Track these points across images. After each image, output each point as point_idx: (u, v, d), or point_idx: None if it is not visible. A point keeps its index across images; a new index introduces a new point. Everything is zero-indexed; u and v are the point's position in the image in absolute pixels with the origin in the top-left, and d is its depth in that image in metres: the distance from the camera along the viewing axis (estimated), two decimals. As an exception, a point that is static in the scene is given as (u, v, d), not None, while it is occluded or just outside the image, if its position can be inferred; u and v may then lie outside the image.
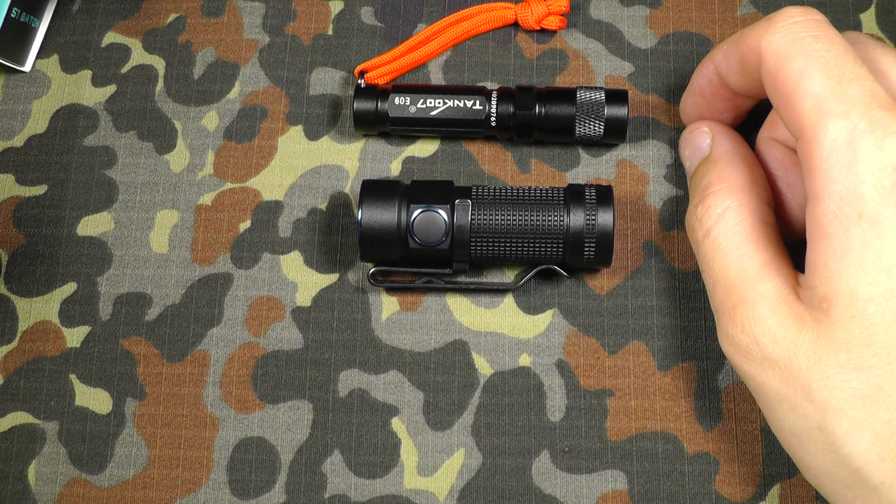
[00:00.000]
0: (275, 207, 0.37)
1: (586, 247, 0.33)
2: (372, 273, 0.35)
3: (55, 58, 0.39)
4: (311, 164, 0.37)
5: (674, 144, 0.36)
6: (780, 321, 0.27)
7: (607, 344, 0.35)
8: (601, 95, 0.35)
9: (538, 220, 0.33)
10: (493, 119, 0.35)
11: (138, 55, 0.39)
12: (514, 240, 0.33)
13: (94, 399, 0.35)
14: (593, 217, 0.32)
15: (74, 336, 0.36)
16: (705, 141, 0.33)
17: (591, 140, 0.36)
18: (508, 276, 0.36)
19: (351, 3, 0.39)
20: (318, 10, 0.39)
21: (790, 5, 0.33)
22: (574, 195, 0.33)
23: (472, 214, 0.33)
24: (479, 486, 0.33)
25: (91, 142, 0.38)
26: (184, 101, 0.38)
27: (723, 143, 0.32)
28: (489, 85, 0.38)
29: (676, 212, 0.36)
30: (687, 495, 0.33)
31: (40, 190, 0.37)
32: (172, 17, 0.39)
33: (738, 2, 0.38)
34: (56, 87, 0.38)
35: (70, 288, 0.36)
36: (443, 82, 0.38)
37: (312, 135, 0.37)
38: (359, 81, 0.37)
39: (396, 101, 0.35)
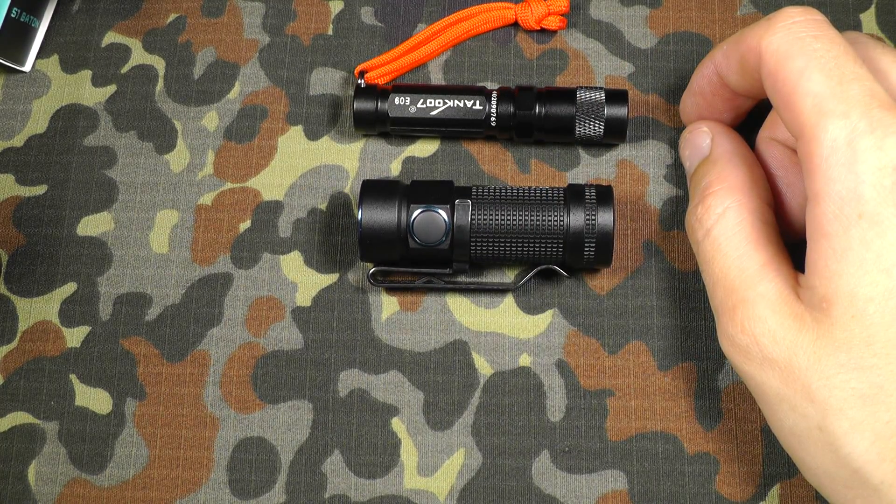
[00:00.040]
0: (275, 207, 0.37)
1: (586, 247, 0.33)
2: (372, 273, 0.35)
3: (55, 58, 0.39)
4: (311, 164, 0.37)
5: (674, 144, 0.36)
6: (780, 321, 0.27)
7: (607, 344, 0.35)
8: (601, 95, 0.35)
9: (538, 220, 0.33)
10: (493, 119, 0.35)
11: (138, 55, 0.39)
12: (514, 240, 0.33)
13: (94, 399, 0.35)
14: (593, 217, 0.32)
15: (74, 336, 0.36)
16: (705, 141, 0.33)
17: (591, 140, 0.36)
18: (508, 276, 0.36)
19: (351, 3, 0.39)
20: (318, 10, 0.39)
21: (790, 5, 0.33)
22: (574, 195, 0.33)
23: (472, 214, 0.33)
24: (479, 486, 0.33)
25: (91, 142, 0.38)
26: (184, 101, 0.38)
27: (723, 143, 0.32)
28: (489, 85, 0.38)
29: (676, 212, 0.36)
30: (687, 495, 0.33)
31: (40, 190, 0.37)
32: (172, 17, 0.39)
33: (738, 2, 0.38)
34: (56, 87, 0.38)
35: (70, 288, 0.36)
36: (443, 82, 0.38)
37: (312, 135, 0.37)
38: (359, 81, 0.37)
39: (396, 101, 0.35)
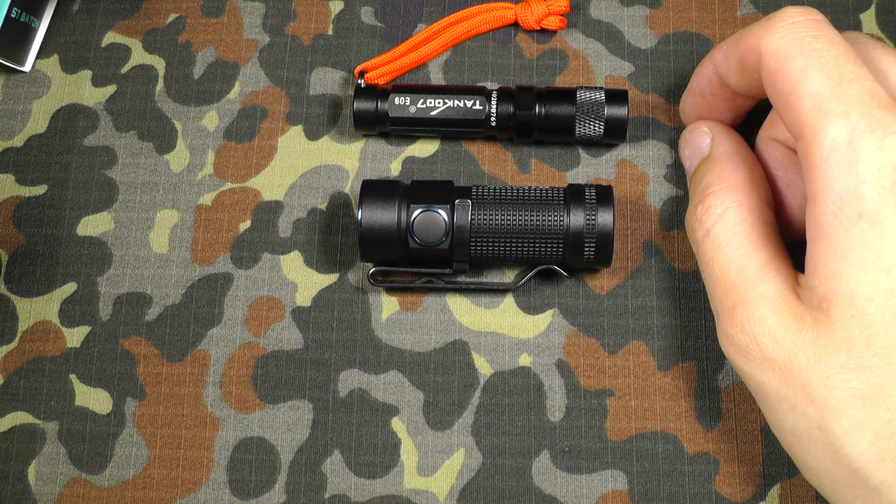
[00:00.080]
0: (275, 207, 0.37)
1: (586, 247, 0.33)
2: (372, 273, 0.35)
3: (55, 58, 0.39)
4: (311, 164, 0.37)
5: (674, 144, 0.36)
6: (779, 321, 0.27)
7: (607, 344, 0.35)
8: (601, 95, 0.35)
9: (538, 220, 0.33)
10: (493, 119, 0.35)
11: (138, 55, 0.39)
12: (514, 240, 0.33)
13: (94, 399, 0.35)
14: (593, 217, 0.32)
15: (74, 336, 0.36)
16: (705, 141, 0.33)
17: (591, 140, 0.36)
18: (508, 276, 0.36)
19: (351, 3, 0.39)
20: (318, 10, 0.39)
21: (790, 5, 0.33)
22: (574, 195, 0.33)
23: (472, 214, 0.33)
24: (479, 486, 0.33)
25: (91, 142, 0.38)
26: (184, 101, 0.38)
27: (723, 143, 0.32)
28: (489, 85, 0.38)
29: (676, 212, 0.36)
30: (687, 495, 0.33)
31: (40, 190, 0.37)
32: (172, 17, 0.39)
33: (738, 2, 0.38)
34: (56, 87, 0.38)
35: (70, 288, 0.36)
36: (443, 82, 0.38)
37: (312, 135, 0.37)
38: (359, 81, 0.37)
39: (396, 101, 0.35)
